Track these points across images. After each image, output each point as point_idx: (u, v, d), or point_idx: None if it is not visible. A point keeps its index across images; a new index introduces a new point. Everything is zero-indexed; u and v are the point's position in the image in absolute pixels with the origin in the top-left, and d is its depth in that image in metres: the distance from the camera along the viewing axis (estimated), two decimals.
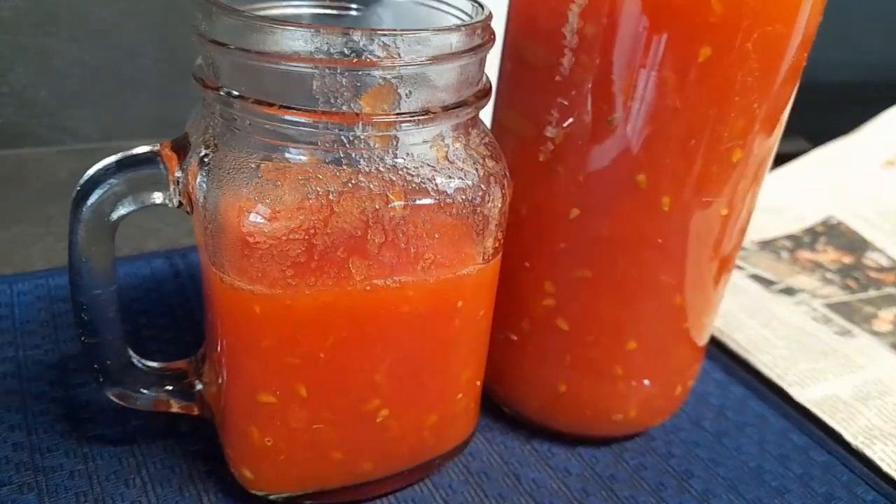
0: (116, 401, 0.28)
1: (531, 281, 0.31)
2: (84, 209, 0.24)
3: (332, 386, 0.25)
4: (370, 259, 0.23)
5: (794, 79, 0.27)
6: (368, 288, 0.24)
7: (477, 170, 0.24)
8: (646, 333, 0.31)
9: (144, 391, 0.28)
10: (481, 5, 0.25)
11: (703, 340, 0.33)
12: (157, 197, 0.25)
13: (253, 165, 0.22)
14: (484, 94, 0.24)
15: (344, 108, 0.21)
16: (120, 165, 0.24)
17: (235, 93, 0.22)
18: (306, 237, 0.22)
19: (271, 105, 0.21)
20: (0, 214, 0.49)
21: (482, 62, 0.24)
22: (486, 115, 0.31)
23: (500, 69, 0.31)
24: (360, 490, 0.29)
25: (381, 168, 0.22)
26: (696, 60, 0.25)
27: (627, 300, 0.30)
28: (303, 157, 0.22)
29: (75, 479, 0.28)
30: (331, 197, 0.22)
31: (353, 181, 0.22)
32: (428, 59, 0.21)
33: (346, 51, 0.20)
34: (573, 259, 0.29)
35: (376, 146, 0.22)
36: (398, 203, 0.23)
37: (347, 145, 0.22)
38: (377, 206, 0.22)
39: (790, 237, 0.59)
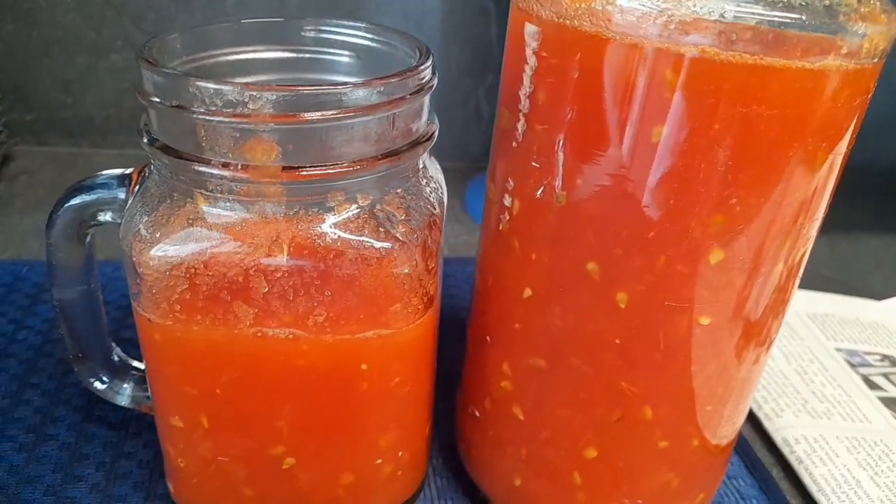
0: (99, 394, 0.31)
1: (492, 358, 0.28)
2: (59, 214, 0.27)
3: (232, 423, 0.26)
4: (255, 306, 0.23)
5: (810, 175, 0.22)
6: (259, 334, 0.24)
7: (382, 231, 0.23)
8: (608, 444, 0.26)
9: (117, 387, 0.31)
10: (420, 52, 0.23)
11: (698, 466, 0.28)
12: (119, 217, 0.27)
13: (158, 201, 0.23)
14: (401, 150, 0.23)
15: (228, 157, 0.21)
16: (97, 182, 0.27)
17: (147, 134, 0.23)
18: (187, 276, 0.22)
19: (169, 151, 0.22)
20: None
21: (400, 117, 0.23)
22: None
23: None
24: None
25: (268, 218, 0.22)
26: (650, 140, 0.21)
27: (583, 402, 0.26)
28: (197, 200, 0.23)
29: (61, 452, 0.32)
30: (215, 240, 0.22)
31: (238, 228, 0.22)
32: (304, 117, 0.21)
33: (219, 102, 0.21)
34: (527, 343, 0.26)
35: (266, 196, 0.22)
36: (281, 255, 0.22)
37: (237, 193, 0.22)
38: (258, 256, 0.22)
39: None
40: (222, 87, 0.20)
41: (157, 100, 0.22)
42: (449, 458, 0.34)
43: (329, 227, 0.22)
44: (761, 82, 0.20)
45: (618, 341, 0.24)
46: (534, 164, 0.24)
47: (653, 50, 0.20)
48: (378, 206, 0.23)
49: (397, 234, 0.23)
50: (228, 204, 0.22)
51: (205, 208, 0.22)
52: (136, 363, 0.31)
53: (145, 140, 0.23)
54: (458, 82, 0.67)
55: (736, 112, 0.20)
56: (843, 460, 0.36)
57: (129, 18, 0.59)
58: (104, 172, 0.27)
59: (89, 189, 0.26)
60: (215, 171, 0.22)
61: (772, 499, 0.34)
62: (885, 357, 0.46)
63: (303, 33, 0.27)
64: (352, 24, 0.27)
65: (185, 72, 0.23)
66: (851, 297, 0.52)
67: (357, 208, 0.23)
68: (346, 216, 0.23)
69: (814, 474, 0.35)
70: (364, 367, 0.25)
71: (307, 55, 0.27)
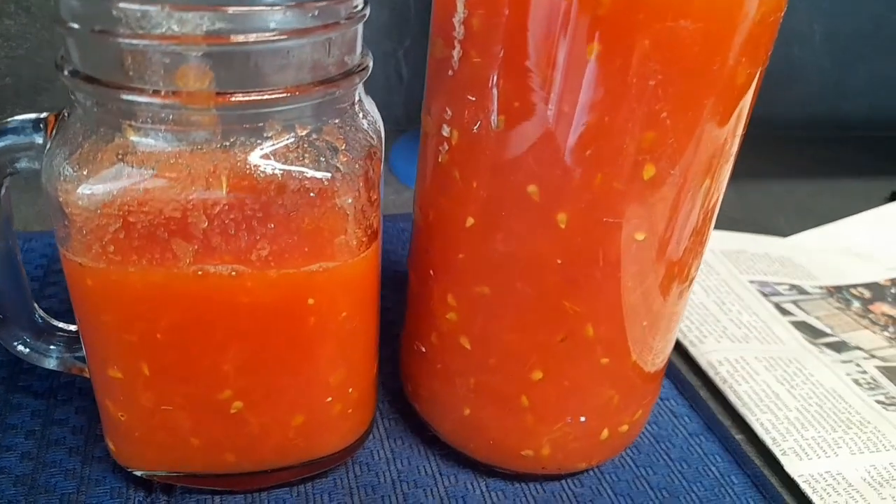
0: (24, 358, 0.29)
1: (436, 291, 0.29)
2: None
3: (175, 369, 0.25)
4: (195, 243, 0.22)
5: (732, 88, 0.23)
6: (200, 273, 0.23)
7: (323, 161, 0.23)
8: (552, 364, 0.27)
9: (44, 349, 0.29)
10: None
11: (637, 381, 0.29)
12: (36, 163, 0.25)
13: (82, 137, 0.22)
14: (336, 79, 0.23)
15: (160, 85, 0.21)
16: (8, 127, 0.25)
17: (75, 70, 0.22)
18: (120, 214, 0.22)
19: (94, 81, 0.21)
20: None
21: (335, 43, 0.22)
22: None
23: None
24: (229, 480, 0.28)
25: (204, 149, 0.22)
26: (584, 58, 0.22)
27: (529, 325, 0.27)
28: (127, 134, 0.22)
29: None
30: (147, 175, 0.21)
31: (172, 160, 0.21)
32: (235, 39, 0.20)
33: (145, 24, 0.20)
34: (471, 273, 0.27)
35: (200, 125, 0.21)
36: (220, 188, 0.22)
37: (169, 123, 0.21)
38: (196, 189, 0.22)
39: (872, 286, 0.51)
40: (149, 8, 0.19)
41: (76, 26, 0.21)
42: (394, 401, 0.34)
43: (268, 156, 0.22)
44: None
45: (559, 261, 0.25)
46: (470, 92, 0.24)
47: None
48: (316, 136, 0.23)
49: (338, 165, 0.23)
50: (160, 135, 0.21)
51: (135, 140, 0.21)
52: (61, 324, 0.30)
53: (66, 73, 0.22)
54: (377, 46, 0.66)
55: (664, 27, 0.21)
56: (763, 378, 0.39)
57: None
58: (16, 117, 0.25)
59: (5, 133, 0.25)
60: (145, 100, 0.21)
61: (701, 415, 0.36)
62: (793, 286, 0.49)
63: None
64: None
65: None
66: (760, 236, 0.56)
67: (295, 137, 0.22)
68: (283, 145, 0.22)
69: (737, 391, 0.38)
70: (311, 301, 0.24)
71: None
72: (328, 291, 0.25)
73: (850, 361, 0.42)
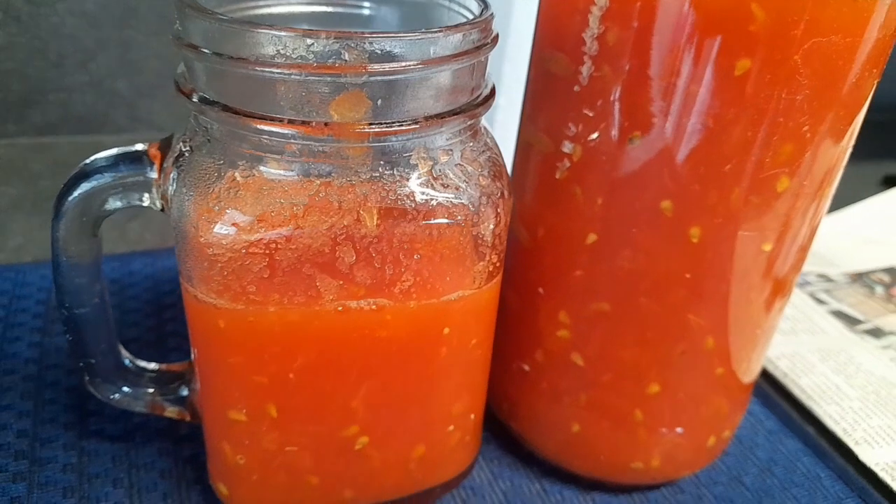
0: (101, 399, 0.28)
1: (545, 309, 0.28)
2: (67, 203, 0.23)
3: (304, 408, 0.24)
4: (340, 279, 0.21)
5: (860, 99, 0.23)
6: (340, 309, 0.22)
7: (468, 186, 0.22)
8: (671, 377, 0.27)
9: (131, 391, 0.28)
10: (486, 5, 0.22)
11: (743, 389, 0.29)
12: (146, 198, 0.24)
13: (219, 173, 0.21)
14: (480, 103, 0.22)
15: (313, 115, 0.19)
16: (108, 161, 0.23)
17: (207, 98, 0.20)
18: (268, 252, 0.20)
19: (237, 113, 0.20)
20: None
21: (478, 68, 0.22)
22: (512, 128, 0.29)
23: (527, 80, 0.28)
24: None
25: (353, 181, 0.21)
26: (733, 74, 0.22)
27: (650, 340, 0.26)
28: (271, 168, 0.20)
29: (66, 474, 0.28)
30: (295, 210, 0.20)
31: (321, 194, 0.20)
32: (402, 66, 0.19)
33: (308, 54, 0.18)
34: (590, 290, 0.27)
35: (349, 157, 0.20)
36: (370, 221, 0.21)
37: (318, 156, 0.20)
38: (346, 223, 0.20)
39: (889, 270, 0.53)
40: (314, 38, 0.18)
41: (210, 51, 0.19)
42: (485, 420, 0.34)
43: (416, 185, 0.21)
44: (838, 13, 0.21)
45: (688, 276, 0.25)
46: (601, 108, 0.24)
47: None
48: (457, 161, 0.22)
49: (483, 189, 0.22)
50: (308, 167, 0.20)
51: (281, 174, 0.20)
52: (146, 364, 0.28)
53: (195, 100, 0.20)
54: None
55: (817, 42, 0.21)
56: (820, 370, 0.40)
57: None
58: (111, 152, 0.24)
59: (99, 172, 0.23)
60: (293, 131, 0.19)
61: (774, 412, 0.36)
62: (820, 275, 0.51)
63: None
64: None
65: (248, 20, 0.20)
66: None
67: (440, 164, 0.22)
68: (429, 172, 0.21)
69: (801, 385, 0.39)
70: (446, 331, 0.24)
71: (341, 9, 0.25)
72: (462, 319, 0.24)
73: (890, 347, 0.43)
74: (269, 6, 0.24)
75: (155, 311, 0.38)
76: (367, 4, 0.26)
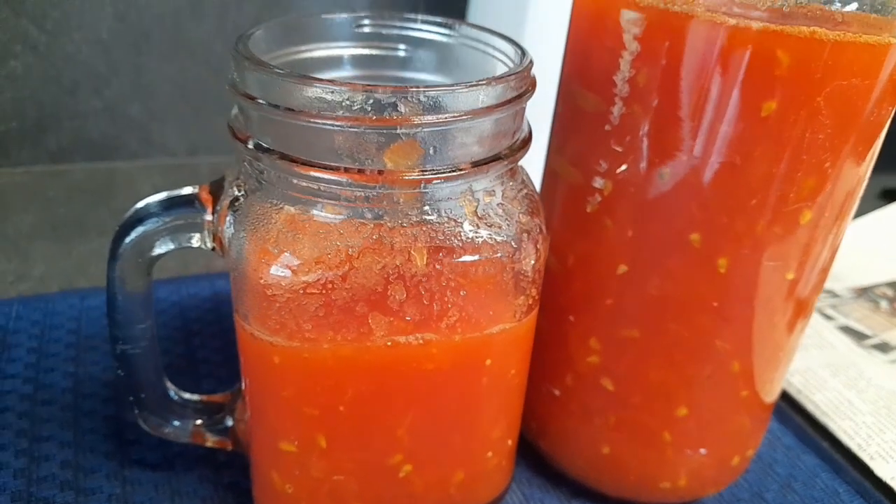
0: (151, 432, 0.28)
1: (576, 336, 0.29)
2: (123, 246, 0.24)
3: (352, 439, 0.25)
4: (391, 316, 0.22)
5: (878, 130, 0.25)
6: (389, 344, 0.23)
7: (509, 225, 0.23)
8: (698, 400, 0.28)
9: (178, 423, 0.28)
10: (523, 51, 0.23)
11: (765, 408, 0.30)
12: (195, 239, 0.25)
13: (276, 216, 0.22)
14: (520, 146, 0.23)
15: (367, 163, 0.20)
16: (161, 206, 0.24)
17: (263, 145, 0.21)
18: (324, 292, 0.21)
19: (294, 161, 0.21)
20: (86, 225, 0.51)
21: (519, 113, 0.23)
22: (538, 158, 0.30)
23: (554, 113, 0.29)
24: None
25: (404, 224, 0.22)
26: (759, 115, 0.23)
27: (678, 364, 0.28)
28: (326, 212, 0.21)
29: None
30: (350, 252, 0.21)
31: (374, 236, 0.21)
32: (454, 116, 0.20)
33: (367, 107, 0.20)
34: (620, 317, 0.28)
35: (401, 201, 0.21)
36: (420, 260, 0.22)
37: (371, 201, 0.21)
38: (398, 263, 0.21)
39: (893, 284, 0.54)
40: (372, 93, 0.19)
41: (267, 103, 0.20)
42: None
43: (462, 226, 0.22)
44: (857, 57, 0.22)
45: (715, 304, 0.26)
46: (631, 146, 0.25)
47: (765, 32, 0.22)
48: (500, 200, 0.23)
49: (523, 226, 0.23)
50: (361, 211, 0.21)
51: (335, 218, 0.21)
52: (189, 396, 0.29)
53: (250, 147, 0.21)
54: None
55: (836, 84, 0.22)
56: (832, 385, 0.41)
57: (30, 19, 0.53)
58: (161, 196, 0.24)
59: (153, 216, 0.24)
60: (348, 180, 0.20)
61: (788, 427, 0.38)
62: (827, 291, 0.52)
63: (383, 30, 0.26)
64: (407, 16, 0.27)
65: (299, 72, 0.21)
66: None
67: (484, 205, 0.23)
68: (475, 214, 0.22)
69: (814, 401, 0.40)
70: (488, 362, 0.25)
71: (379, 51, 0.26)
72: (503, 351, 0.25)
73: None
74: (313, 50, 0.25)
75: (183, 339, 0.39)
76: (402, 47, 0.27)
